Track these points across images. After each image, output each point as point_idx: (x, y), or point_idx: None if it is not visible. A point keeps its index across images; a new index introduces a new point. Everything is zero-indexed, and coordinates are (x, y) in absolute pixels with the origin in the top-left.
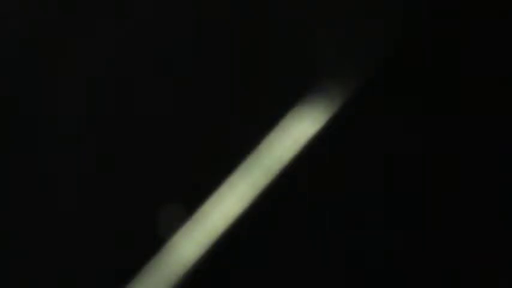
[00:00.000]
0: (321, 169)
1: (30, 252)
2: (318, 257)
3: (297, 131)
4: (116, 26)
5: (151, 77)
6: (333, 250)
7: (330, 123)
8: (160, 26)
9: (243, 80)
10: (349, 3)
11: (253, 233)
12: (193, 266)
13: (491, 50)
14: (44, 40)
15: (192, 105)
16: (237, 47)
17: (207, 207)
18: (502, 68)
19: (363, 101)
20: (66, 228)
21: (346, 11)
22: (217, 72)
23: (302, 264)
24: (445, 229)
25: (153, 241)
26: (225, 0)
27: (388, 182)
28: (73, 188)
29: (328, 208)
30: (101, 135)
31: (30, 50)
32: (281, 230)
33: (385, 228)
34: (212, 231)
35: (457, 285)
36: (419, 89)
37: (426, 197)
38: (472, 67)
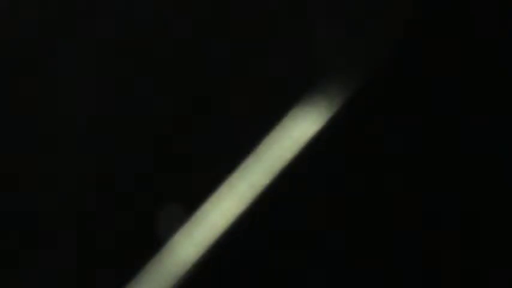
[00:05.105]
0: (321, 169)
1: (29, 252)
2: (318, 257)
3: (297, 131)
4: (115, 26)
5: (150, 77)
6: (333, 250)
7: (330, 123)
8: (160, 25)
9: (243, 80)
10: (349, 3)
11: (253, 233)
12: (193, 266)
13: (492, 50)
14: (44, 40)
15: (192, 105)
16: (237, 47)
17: (207, 207)
18: (503, 68)
19: (363, 101)
20: (66, 228)
21: (346, 11)
22: (217, 72)
23: (302, 264)
24: (445, 229)
25: (153, 241)
26: (225, 0)
27: (388, 181)
28: (73, 187)
29: (328, 208)
30: (101, 135)
31: (30, 50)
32: (281, 230)
33: (385, 228)
34: (212, 231)
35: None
36: (419, 89)
37: (426, 197)
38: (472, 67)
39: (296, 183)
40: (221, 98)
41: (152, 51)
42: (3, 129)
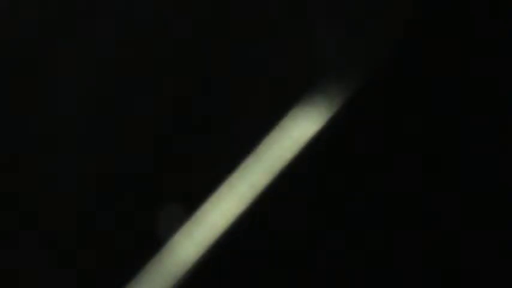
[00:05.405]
0: (321, 169)
1: (30, 253)
2: (318, 257)
3: (297, 131)
4: (115, 26)
5: (150, 77)
6: (333, 250)
7: (330, 123)
8: (160, 25)
9: (242, 80)
10: (349, 3)
11: (253, 233)
12: (193, 266)
13: (492, 50)
14: (44, 40)
15: (192, 106)
16: (237, 46)
17: (207, 207)
18: (503, 68)
19: (363, 101)
20: (66, 228)
21: (346, 11)
22: (216, 72)
23: (302, 264)
24: (445, 229)
25: (153, 241)
26: (225, 0)
27: (388, 181)
28: (73, 186)
29: (328, 208)
30: (101, 134)
31: (30, 50)
32: (281, 230)
33: (385, 228)
34: (212, 231)
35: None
36: (419, 89)
37: (426, 197)
38: (472, 67)
39: (296, 183)
40: (221, 98)
41: (152, 51)
42: (3, 129)
